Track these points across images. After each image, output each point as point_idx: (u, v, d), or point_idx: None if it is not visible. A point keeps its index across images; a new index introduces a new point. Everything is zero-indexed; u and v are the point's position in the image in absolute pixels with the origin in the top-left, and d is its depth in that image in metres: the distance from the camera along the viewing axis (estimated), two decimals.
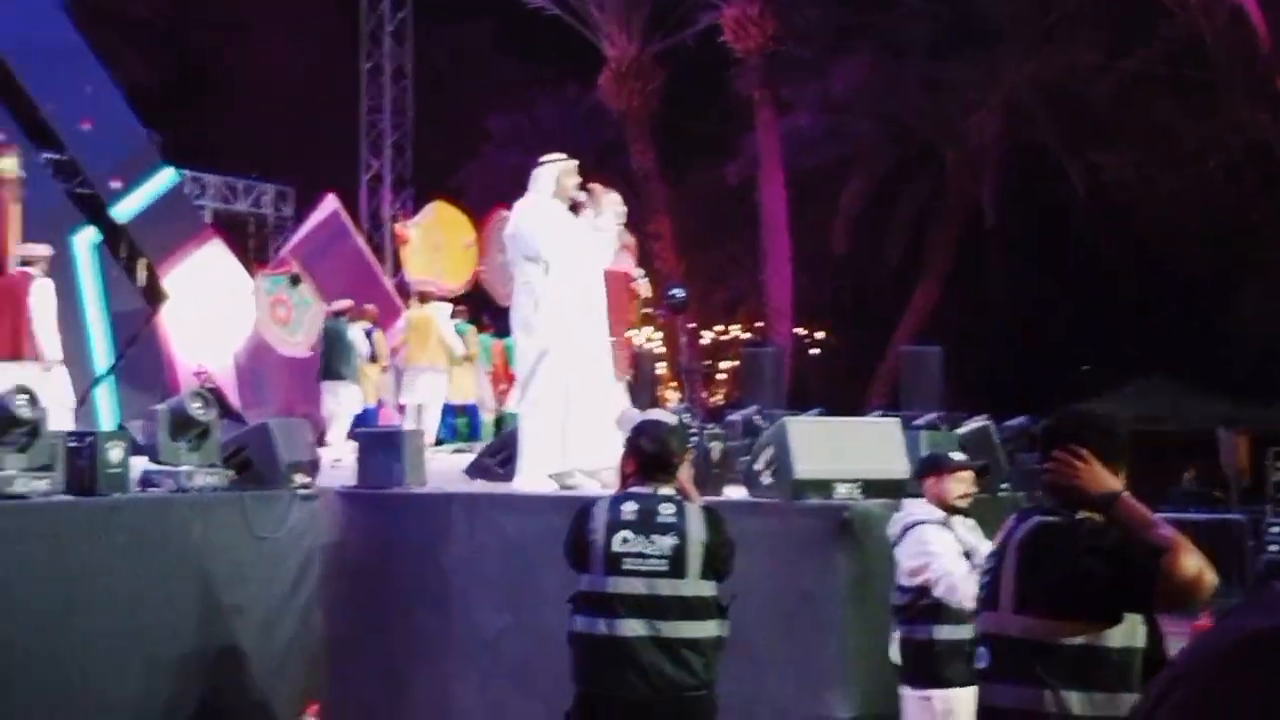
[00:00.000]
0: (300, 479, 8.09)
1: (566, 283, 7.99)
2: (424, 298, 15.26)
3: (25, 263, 11.08)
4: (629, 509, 4.78)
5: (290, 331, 16.74)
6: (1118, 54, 22.28)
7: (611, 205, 8.51)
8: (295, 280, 16.82)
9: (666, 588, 4.71)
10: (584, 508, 4.91)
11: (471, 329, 15.90)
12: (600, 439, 7.86)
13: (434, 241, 17.95)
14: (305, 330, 16.50)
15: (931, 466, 6.03)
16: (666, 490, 4.84)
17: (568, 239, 8.01)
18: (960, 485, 5.94)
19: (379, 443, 8.51)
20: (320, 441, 12.81)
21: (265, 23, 28.99)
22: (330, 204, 18.58)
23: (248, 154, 24.55)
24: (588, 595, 4.80)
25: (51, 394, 10.29)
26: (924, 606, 5.69)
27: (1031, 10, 22.84)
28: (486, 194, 28.30)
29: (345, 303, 14.88)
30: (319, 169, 24.66)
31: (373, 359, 15.03)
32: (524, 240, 8.04)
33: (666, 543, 4.73)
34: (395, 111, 24.73)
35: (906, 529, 5.83)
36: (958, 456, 6.11)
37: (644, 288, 8.87)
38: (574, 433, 7.84)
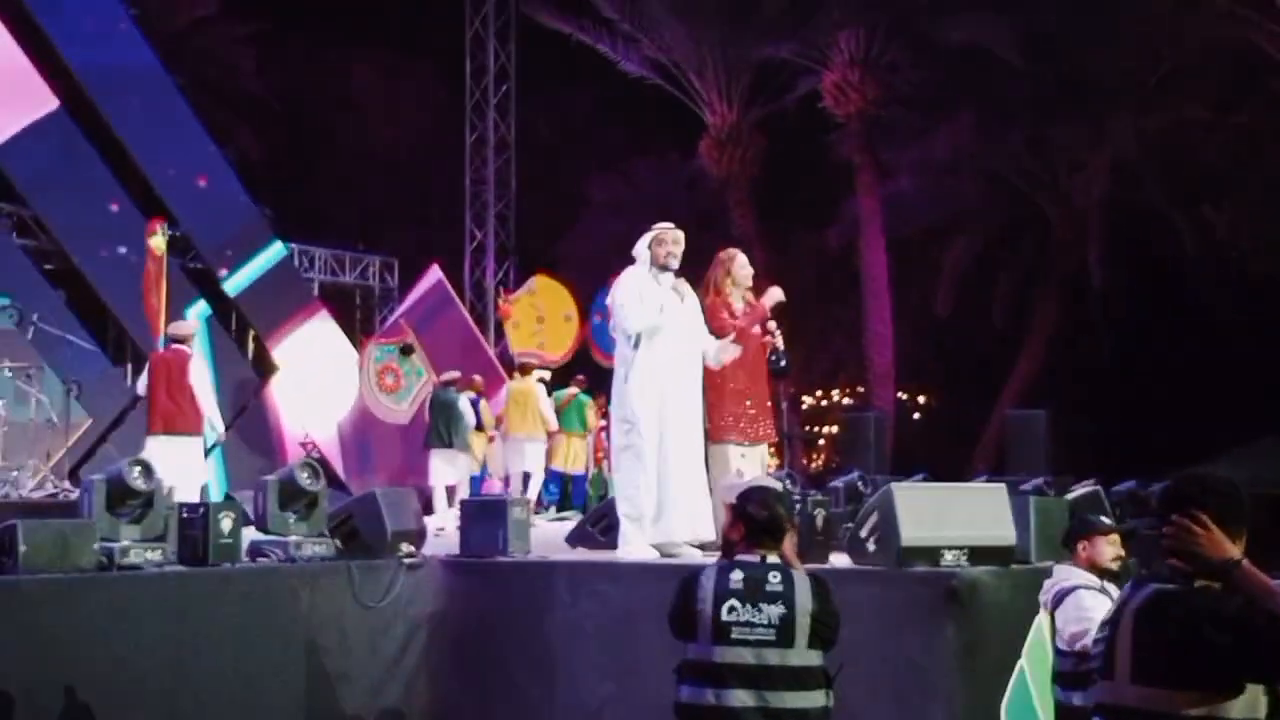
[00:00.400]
0: (406, 548, 8.15)
1: (657, 352, 8.01)
2: (525, 370, 15.77)
3: (177, 340, 11.61)
4: (736, 578, 4.74)
5: (397, 400, 17.06)
6: (1226, 109, 22.00)
7: (742, 275, 8.61)
8: (407, 350, 17.15)
9: (774, 657, 4.67)
10: (690, 576, 4.88)
11: (590, 400, 16.29)
12: (694, 508, 7.84)
13: (536, 314, 18.33)
14: (412, 399, 16.82)
15: (1084, 529, 5.97)
16: (773, 558, 4.81)
17: (656, 309, 8.03)
18: (1112, 548, 5.89)
19: (482, 511, 8.56)
20: (427, 509, 13.11)
21: (372, 97, 29.62)
22: (434, 274, 18.83)
23: (354, 226, 25.00)
24: (695, 665, 4.76)
25: (196, 466, 11.22)
26: (1086, 672, 5.59)
27: (1136, 67, 22.63)
28: (587, 262, 28.53)
29: (454, 373, 15.23)
30: (423, 240, 25.03)
31: (479, 428, 15.29)
32: (616, 311, 8.11)
33: (774, 612, 4.69)
34: (498, 182, 25.06)
35: (1064, 594, 5.75)
36: (1107, 519, 6.05)
37: (778, 339, 8.77)
38: (669, 502, 7.82)
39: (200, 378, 11.42)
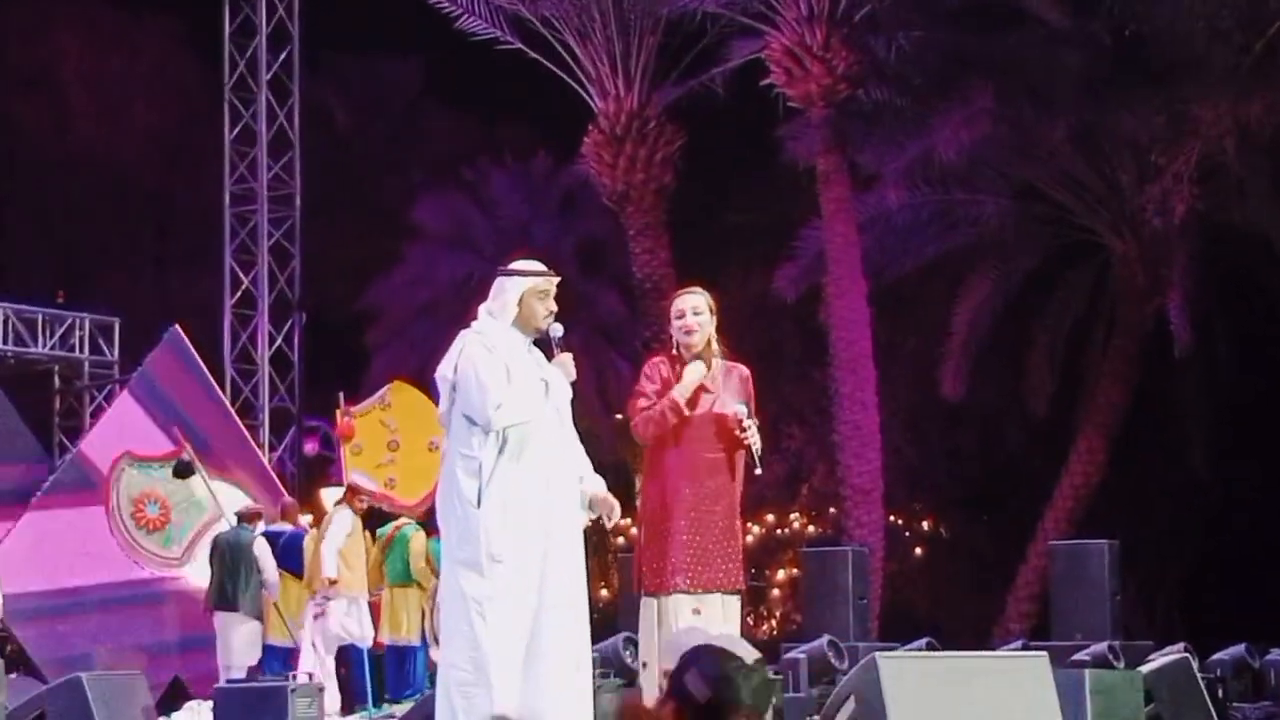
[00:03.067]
0: None
1: (533, 459, 7.97)
2: (347, 493, 15.89)
3: None
4: None
5: (163, 542, 17.14)
6: None
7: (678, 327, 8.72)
8: (183, 471, 17.18)
9: None
10: None
11: (417, 534, 16.44)
12: (575, 711, 7.75)
13: (386, 437, 18.47)
14: (188, 541, 16.97)
15: None
16: None
17: (539, 390, 8.02)
18: None
19: (248, 705, 8.48)
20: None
21: (81, 77, 29.47)
22: (175, 341, 18.71)
23: (51, 270, 24.76)
24: None
25: None
26: None
27: (1234, 26, 23.08)
28: (414, 320, 28.51)
29: (250, 504, 15.63)
30: (160, 290, 24.90)
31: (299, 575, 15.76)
32: (464, 391, 8.05)
33: None
34: (275, 200, 24.96)
35: None
36: None
37: (754, 436, 8.79)
38: (535, 698, 7.73)
39: None
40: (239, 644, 15.25)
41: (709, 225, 26.50)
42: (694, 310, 8.75)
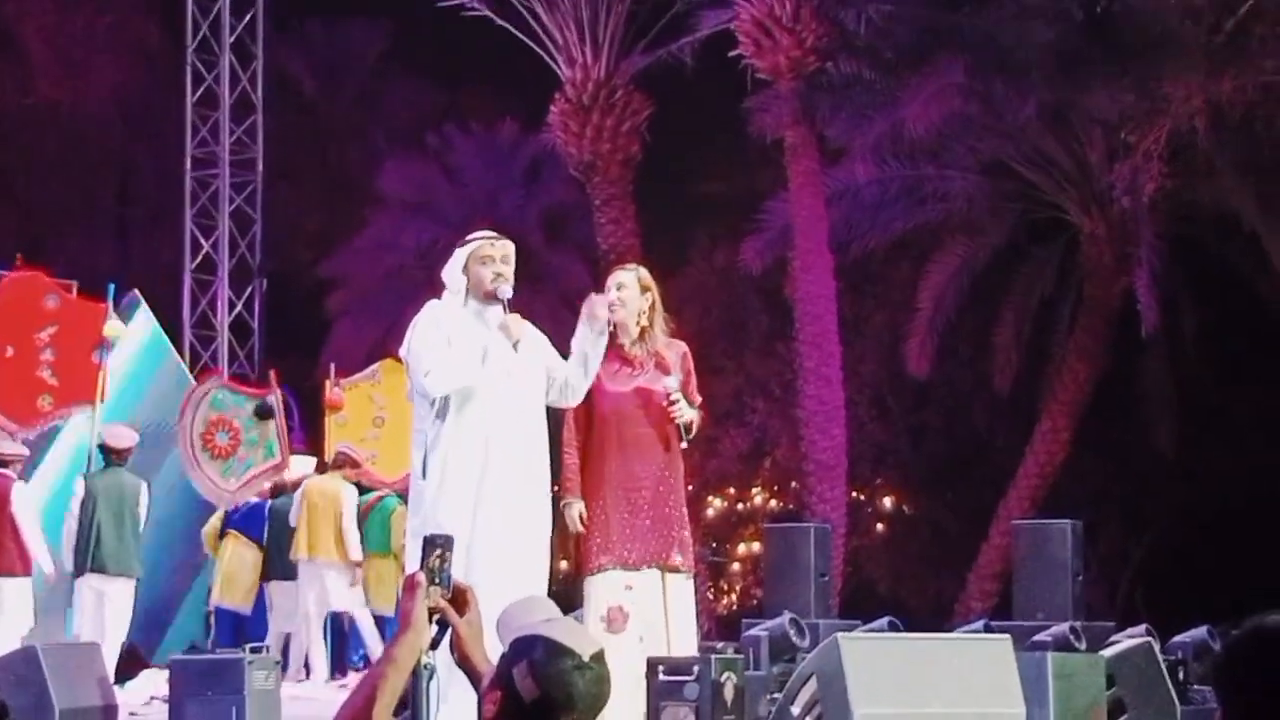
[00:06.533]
0: None
1: (475, 425, 7.94)
2: (335, 462, 15.94)
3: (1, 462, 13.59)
4: None
5: (225, 471, 17.10)
6: None
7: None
8: (264, 412, 17.17)
9: None
10: None
11: (401, 507, 16.51)
12: None
13: (373, 412, 18.55)
14: (245, 479, 17.05)
15: None
16: None
17: (476, 357, 7.98)
18: None
19: (204, 676, 8.46)
20: None
21: (38, 34, 29.29)
22: (134, 307, 18.65)
23: (7, 233, 24.62)
24: None
25: (22, 612, 12.95)
26: None
27: (1206, 4, 23.09)
28: (378, 289, 28.46)
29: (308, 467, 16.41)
30: (119, 254, 24.78)
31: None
32: (411, 365, 8.06)
33: None
34: (237, 165, 24.88)
35: None
36: None
37: (680, 411, 8.80)
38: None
39: (28, 511, 13.33)
40: (289, 610, 15.76)
41: (675, 196, 26.46)
42: (618, 286, 8.76)
